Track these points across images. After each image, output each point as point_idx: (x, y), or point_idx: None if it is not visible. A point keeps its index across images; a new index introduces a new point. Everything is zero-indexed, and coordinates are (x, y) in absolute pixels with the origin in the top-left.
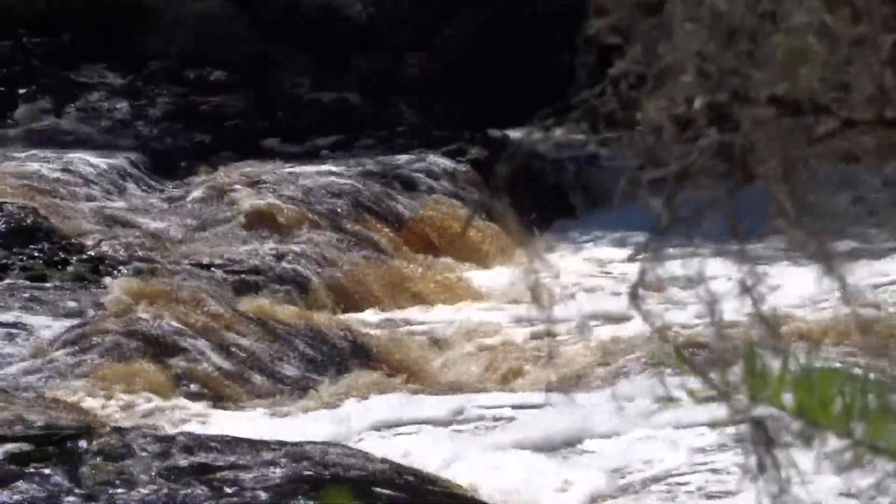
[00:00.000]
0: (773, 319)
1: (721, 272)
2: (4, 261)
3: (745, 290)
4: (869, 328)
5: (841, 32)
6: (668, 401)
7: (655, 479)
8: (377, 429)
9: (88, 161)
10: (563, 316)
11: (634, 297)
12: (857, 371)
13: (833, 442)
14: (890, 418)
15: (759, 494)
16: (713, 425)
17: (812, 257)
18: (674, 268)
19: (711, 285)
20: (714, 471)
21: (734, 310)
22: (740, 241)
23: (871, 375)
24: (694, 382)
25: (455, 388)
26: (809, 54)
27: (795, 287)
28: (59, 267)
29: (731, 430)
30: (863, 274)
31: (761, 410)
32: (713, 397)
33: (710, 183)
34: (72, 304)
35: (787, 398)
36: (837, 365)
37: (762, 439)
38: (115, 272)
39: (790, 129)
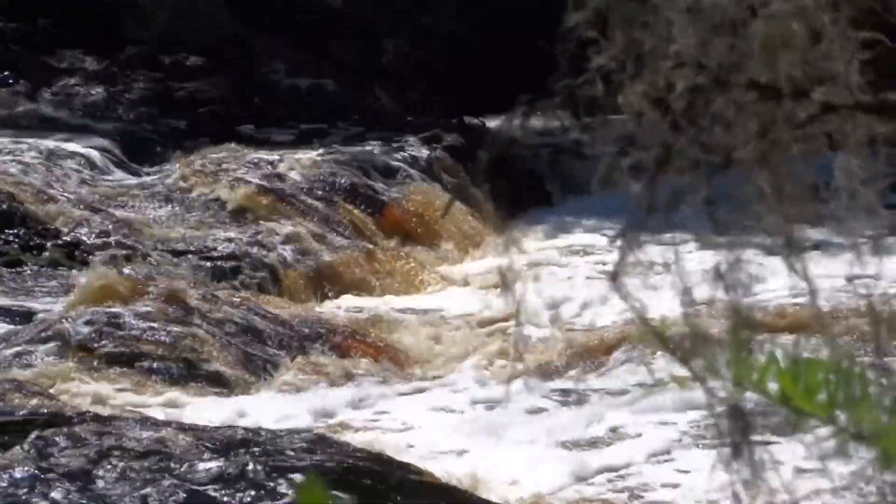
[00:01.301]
0: (745, 307)
1: (700, 258)
2: None
3: (720, 276)
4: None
5: (821, 18)
6: (650, 388)
7: (628, 466)
8: (351, 416)
9: (64, 146)
10: (535, 302)
11: (615, 280)
12: (842, 360)
13: (817, 429)
14: (873, 406)
15: (732, 480)
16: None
17: (781, 245)
18: (653, 253)
19: (688, 271)
20: (688, 457)
21: (712, 296)
22: (718, 227)
23: (852, 363)
24: (674, 368)
25: (430, 375)
26: (789, 40)
27: (781, 275)
28: (35, 252)
29: (707, 416)
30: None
31: (744, 397)
32: (694, 383)
33: (689, 168)
34: (47, 289)
35: (772, 386)
36: (822, 354)
37: (738, 425)
38: (91, 257)
39: (770, 113)
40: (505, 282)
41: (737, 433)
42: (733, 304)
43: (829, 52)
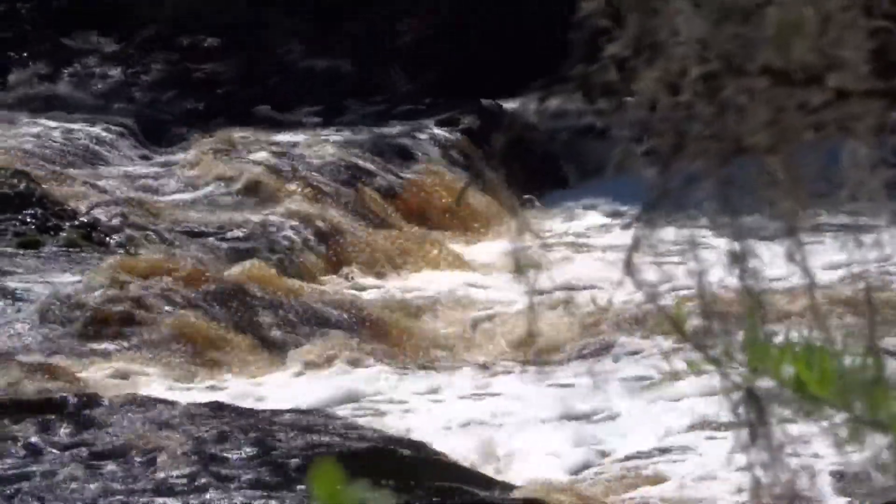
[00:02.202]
0: (758, 291)
1: (715, 244)
2: None
3: (735, 260)
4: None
5: (831, 5)
6: (665, 375)
7: (644, 450)
8: (367, 397)
9: (81, 127)
10: (551, 286)
11: (629, 266)
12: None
13: (832, 416)
14: (888, 393)
15: (750, 463)
16: (711, 395)
17: (782, 232)
18: (667, 238)
19: (703, 256)
20: (703, 442)
21: (727, 281)
22: (731, 212)
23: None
24: (688, 354)
25: (445, 357)
26: (802, 26)
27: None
28: (52, 233)
29: (724, 400)
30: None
31: (760, 383)
32: (709, 368)
33: (703, 154)
34: (64, 270)
35: (787, 371)
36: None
37: (755, 409)
38: (108, 238)
39: (783, 99)
40: (518, 266)
41: (754, 417)
42: (747, 288)
43: (839, 40)
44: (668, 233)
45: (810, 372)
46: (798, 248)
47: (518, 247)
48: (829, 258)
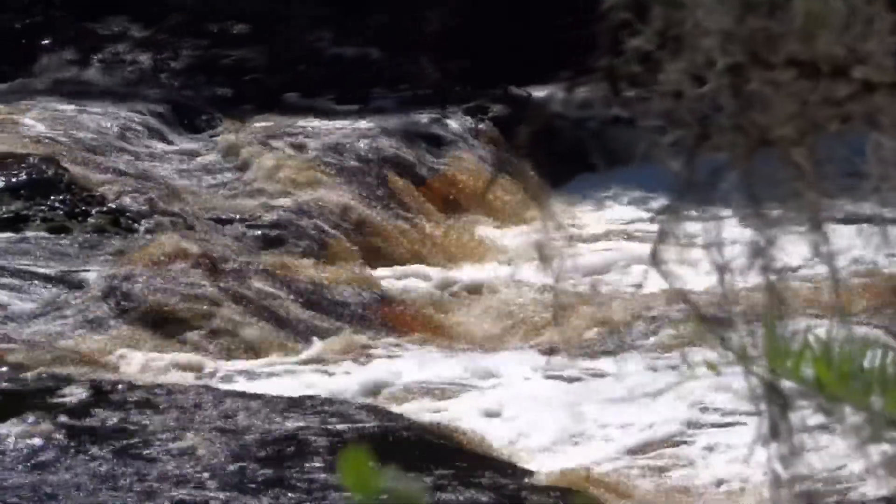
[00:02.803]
0: (781, 286)
1: (741, 236)
2: (25, 212)
3: (757, 253)
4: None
5: None
6: (687, 372)
7: (667, 444)
8: (394, 385)
9: (110, 113)
10: (576, 275)
11: (655, 258)
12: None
13: (852, 415)
14: None
15: (770, 459)
16: (731, 390)
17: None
18: (692, 230)
19: (728, 249)
20: (725, 435)
21: (750, 274)
22: (755, 204)
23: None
24: (711, 350)
25: (471, 347)
26: (828, 17)
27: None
28: (80, 219)
29: (744, 394)
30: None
31: (780, 381)
32: (730, 364)
33: (728, 145)
34: (92, 256)
35: (807, 371)
36: (858, 335)
37: (777, 403)
38: (136, 225)
39: (809, 92)
40: (542, 255)
41: (776, 412)
42: (768, 283)
43: (864, 33)
44: (694, 225)
45: (829, 372)
46: (823, 240)
47: (543, 236)
48: (852, 252)
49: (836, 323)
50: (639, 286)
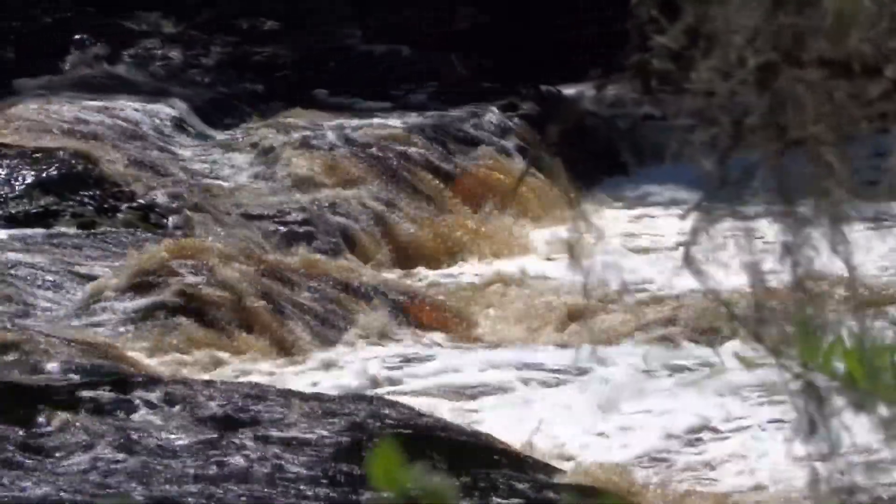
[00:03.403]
0: (813, 284)
1: (773, 234)
2: (55, 207)
3: (788, 252)
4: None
5: None
6: (719, 368)
7: (694, 442)
8: (422, 382)
9: (140, 109)
10: (607, 274)
11: (687, 257)
12: None
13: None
14: None
15: (809, 455)
16: (765, 387)
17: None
18: (724, 228)
19: (759, 247)
20: (758, 431)
21: (782, 272)
22: (787, 203)
23: None
24: (743, 347)
25: (500, 344)
26: (859, 15)
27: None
28: (110, 214)
29: (779, 392)
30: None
31: (812, 376)
32: (763, 361)
33: (760, 144)
34: (121, 251)
35: (838, 367)
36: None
37: (814, 399)
38: (165, 220)
39: (841, 91)
40: (573, 253)
41: (813, 409)
42: (800, 281)
43: (892, 30)
44: (726, 224)
45: (861, 366)
46: (842, 238)
47: (574, 234)
48: (878, 250)
49: (865, 319)
50: (670, 285)
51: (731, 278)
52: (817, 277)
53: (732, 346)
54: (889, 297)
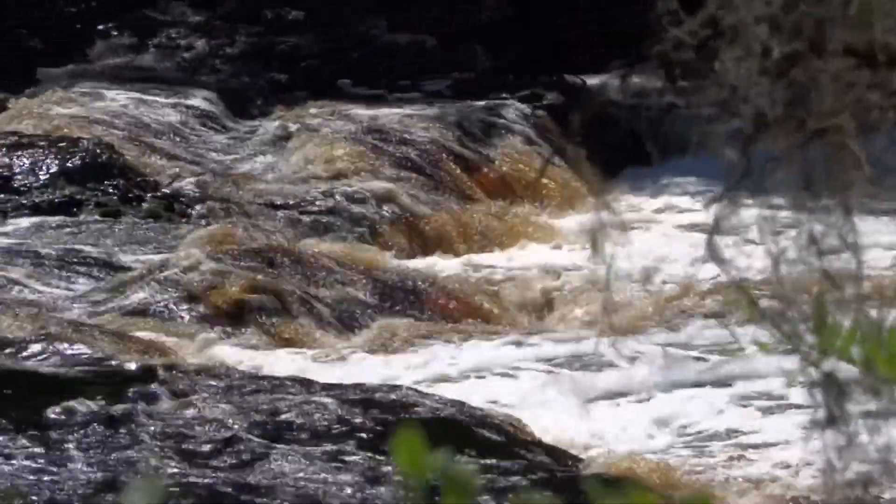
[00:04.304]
0: (837, 274)
1: (795, 223)
2: (79, 196)
3: (813, 241)
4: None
5: None
6: (736, 352)
7: (717, 431)
8: (444, 371)
9: (165, 98)
10: (630, 263)
11: (711, 246)
12: None
13: None
14: None
15: (825, 446)
16: (784, 376)
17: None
18: (748, 218)
19: (782, 237)
20: (776, 421)
21: (803, 261)
22: (812, 193)
23: None
24: (761, 334)
25: (524, 333)
26: (882, 7)
27: (872, 241)
28: (134, 204)
29: (796, 381)
30: None
31: (830, 363)
32: (780, 348)
33: (784, 135)
34: (146, 241)
35: (856, 352)
36: None
37: (833, 391)
38: (190, 210)
39: (865, 82)
40: (594, 243)
41: (831, 401)
42: (822, 270)
43: None
44: (750, 213)
45: (879, 352)
46: (851, 229)
47: (596, 223)
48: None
49: (882, 307)
50: (693, 274)
51: (753, 267)
52: (838, 267)
53: (753, 333)
54: None
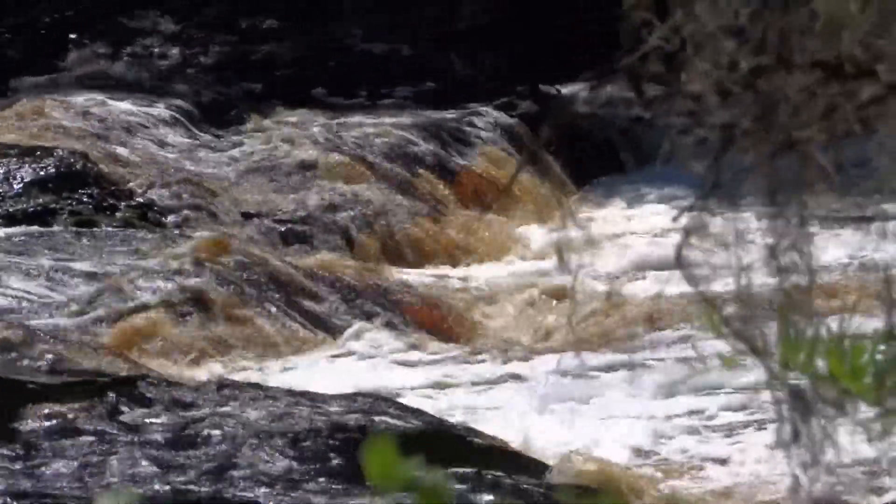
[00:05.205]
0: (796, 288)
1: (762, 235)
2: (53, 206)
3: (774, 255)
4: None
5: None
6: (704, 364)
7: (686, 442)
8: (416, 382)
9: (139, 107)
10: (597, 274)
11: (679, 257)
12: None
13: (865, 409)
14: None
15: (791, 463)
16: (749, 390)
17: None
18: (717, 230)
19: (749, 249)
20: (745, 433)
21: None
22: (777, 205)
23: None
24: (727, 347)
25: (495, 344)
26: (849, 20)
27: (835, 252)
28: (108, 213)
29: (761, 396)
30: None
31: (795, 378)
32: (746, 362)
33: (752, 147)
34: (120, 250)
35: (820, 365)
36: (870, 332)
37: (798, 407)
38: (164, 219)
39: (834, 94)
40: (560, 254)
41: (797, 418)
42: (785, 285)
43: (881, 26)
44: (718, 225)
45: (842, 365)
46: (804, 239)
47: (562, 236)
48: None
49: (843, 319)
50: (662, 285)
51: (720, 279)
52: (801, 279)
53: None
54: (867, 295)
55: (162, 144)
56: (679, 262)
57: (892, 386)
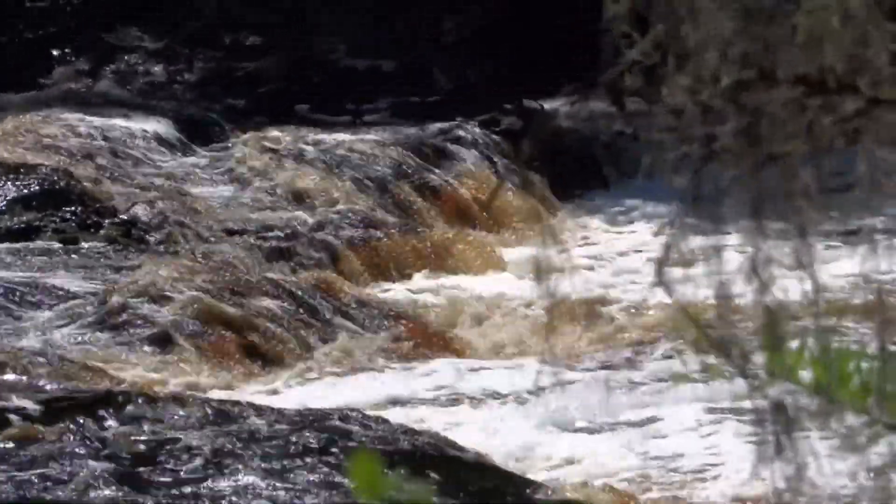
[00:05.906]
0: (774, 305)
1: (744, 250)
2: (37, 223)
3: (755, 270)
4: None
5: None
6: (682, 377)
7: (675, 457)
8: (400, 398)
9: (123, 124)
10: (578, 289)
11: (660, 273)
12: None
13: (850, 419)
14: None
15: (773, 477)
16: (732, 401)
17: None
18: (698, 244)
19: (729, 264)
20: (724, 452)
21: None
22: (759, 220)
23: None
24: (710, 360)
25: (479, 360)
26: (831, 34)
27: (820, 263)
28: (92, 230)
29: (744, 410)
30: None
31: (779, 388)
32: (728, 375)
33: (734, 162)
34: (103, 267)
35: (805, 375)
36: (854, 343)
37: (781, 419)
38: (147, 236)
39: (816, 108)
40: (538, 270)
41: (780, 430)
42: (765, 300)
43: (862, 39)
44: (699, 240)
45: (827, 374)
46: (806, 253)
47: (539, 251)
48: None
49: (829, 330)
50: (643, 300)
51: (701, 293)
52: (781, 293)
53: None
54: (853, 309)
55: (146, 161)
56: (660, 277)
57: (878, 393)
